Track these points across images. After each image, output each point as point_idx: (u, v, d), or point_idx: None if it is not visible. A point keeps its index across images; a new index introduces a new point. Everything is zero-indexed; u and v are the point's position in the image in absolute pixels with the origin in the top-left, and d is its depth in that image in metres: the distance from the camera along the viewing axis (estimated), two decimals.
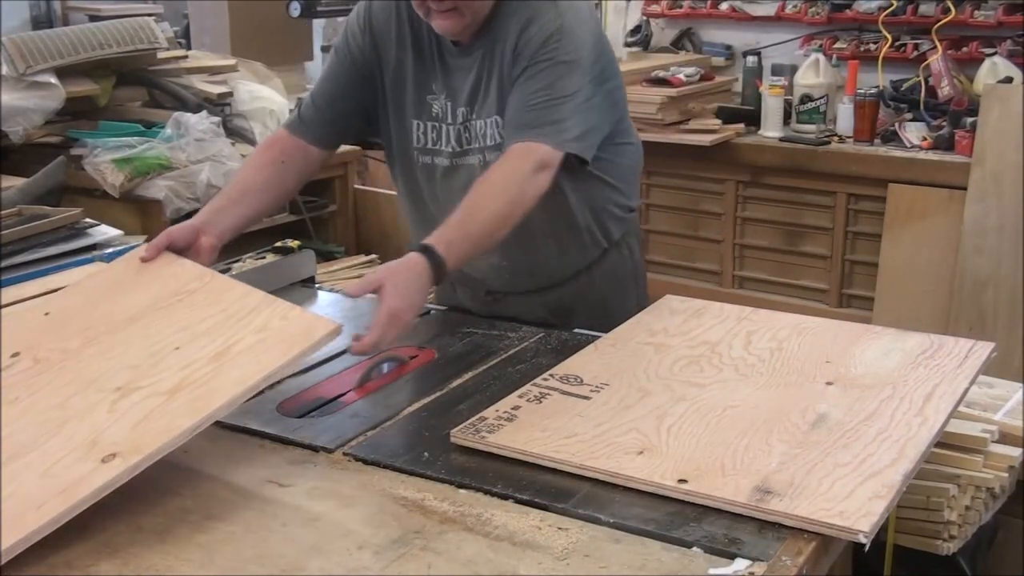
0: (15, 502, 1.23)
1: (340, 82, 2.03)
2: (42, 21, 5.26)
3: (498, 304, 2.14)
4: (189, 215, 3.00)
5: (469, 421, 1.56)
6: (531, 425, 1.56)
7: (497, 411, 1.59)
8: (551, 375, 1.72)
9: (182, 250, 1.74)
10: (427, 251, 1.67)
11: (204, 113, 3.13)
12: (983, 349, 1.89)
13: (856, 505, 1.35)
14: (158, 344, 1.43)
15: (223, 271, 2.26)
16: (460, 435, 1.53)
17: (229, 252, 2.62)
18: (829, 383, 1.73)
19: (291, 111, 2.05)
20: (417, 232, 2.06)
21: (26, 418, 1.32)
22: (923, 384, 1.72)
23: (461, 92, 1.96)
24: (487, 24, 1.91)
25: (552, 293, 2.09)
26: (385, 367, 1.80)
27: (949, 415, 1.62)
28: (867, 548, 1.30)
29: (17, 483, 1.25)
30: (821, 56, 3.73)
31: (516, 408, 1.61)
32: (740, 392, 1.69)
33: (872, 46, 3.81)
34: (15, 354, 1.38)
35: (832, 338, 1.92)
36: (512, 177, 1.79)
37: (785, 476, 1.41)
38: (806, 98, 3.62)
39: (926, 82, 3.53)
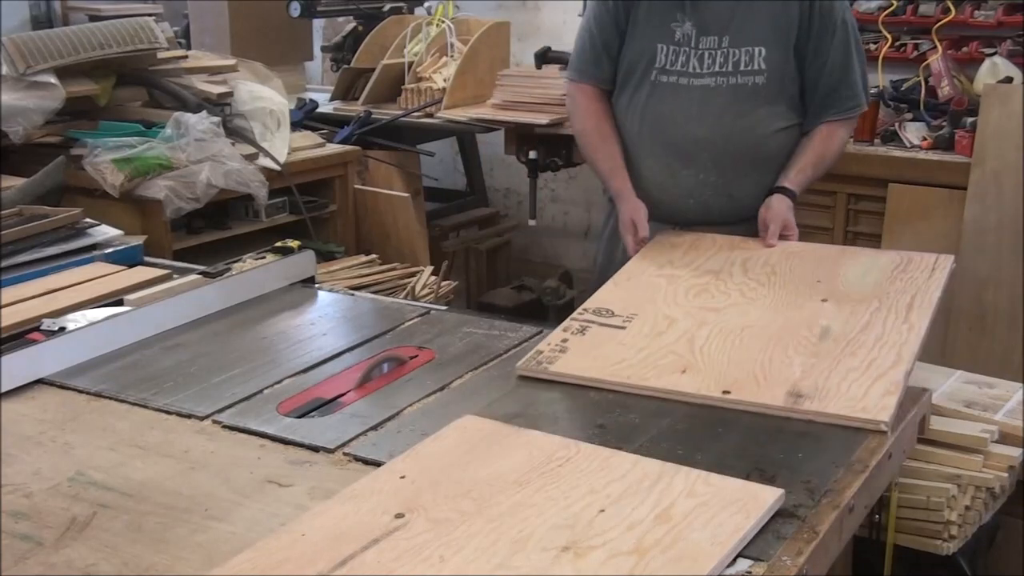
0: None
1: (619, 28, 2.40)
2: (42, 21, 5.25)
3: None
4: (189, 215, 3.02)
5: (528, 355, 1.78)
6: (587, 357, 1.78)
7: (549, 344, 1.81)
8: (585, 309, 1.96)
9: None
10: (785, 190, 2.34)
11: (204, 113, 3.12)
12: (945, 261, 2.13)
13: (873, 402, 1.58)
14: (572, 507, 1.29)
15: (222, 271, 2.26)
16: (524, 367, 1.75)
17: (229, 252, 2.62)
18: (824, 300, 1.96)
19: (569, 68, 2.57)
20: (628, 149, 2.44)
21: None
22: (903, 295, 1.97)
23: (711, 22, 2.31)
24: None
25: (729, 231, 2.34)
26: (385, 367, 1.80)
27: (929, 320, 1.87)
28: (889, 432, 1.51)
29: None
30: None
31: (565, 341, 1.83)
32: (751, 313, 1.93)
33: (872, 46, 3.80)
34: (399, 515, 1.26)
35: (817, 260, 2.17)
36: (846, 133, 2.45)
37: (810, 382, 1.64)
38: None
39: (926, 82, 3.53)
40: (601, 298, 2.01)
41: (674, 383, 1.68)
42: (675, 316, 1.92)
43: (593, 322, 1.90)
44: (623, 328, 1.88)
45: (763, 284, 2.05)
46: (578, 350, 1.81)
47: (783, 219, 2.29)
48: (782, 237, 2.27)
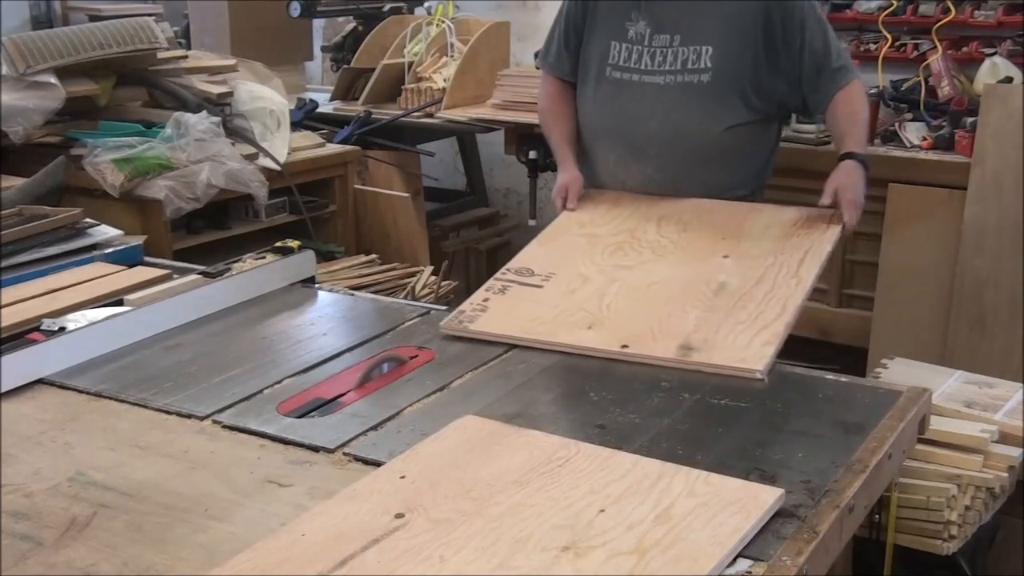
0: None
1: (576, 26, 2.53)
2: (42, 21, 5.25)
3: None
4: (189, 215, 3.02)
5: (452, 314, 1.94)
6: (506, 316, 1.93)
7: (472, 304, 1.97)
8: (508, 269, 2.12)
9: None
10: (851, 155, 2.32)
11: (204, 113, 3.12)
12: (839, 217, 2.22)
13: (753, 352, 1.74)
14: (572, 507, 1.28)
15: (222, 271, 2.26)
16: (447, 326, 1.91)
17: (229, 252, 2.62)
18: (726, 256, 2.11)
19: (541, 60, 2.73)
20: (589, 147, 2.55)
21: None
22: (797, 251, 2.10)
23: (664, 22, 2.39)
24: None
25: None
26: (385, 367, 1.80)
27: (817, 275, 2.02)
28: (765, 378, 1.68)
29: None
30: None
31: (486, 300, 1.99)
32: (658, 270, 2.08)
33: (872, 46, 3.80)
34: (399, 515, 1.27)
35: (727, 216, 2.29)
36: (863, 101, 2.44)
37: (700, 335, 1.80)
38: None
39: (926, 82, 3.53)
40: (524, 257, 2.17)
41: (579, 339, 1.83)
42: (589, 274, 2.07)
43: (514, 282, 2.06)
44: (541, 287, 2.03)
45: (673, 241, 2.20)
46: (498, 309, 1.96)
47: (833, 188, 2.25)
48: (838, 202, 2.24)
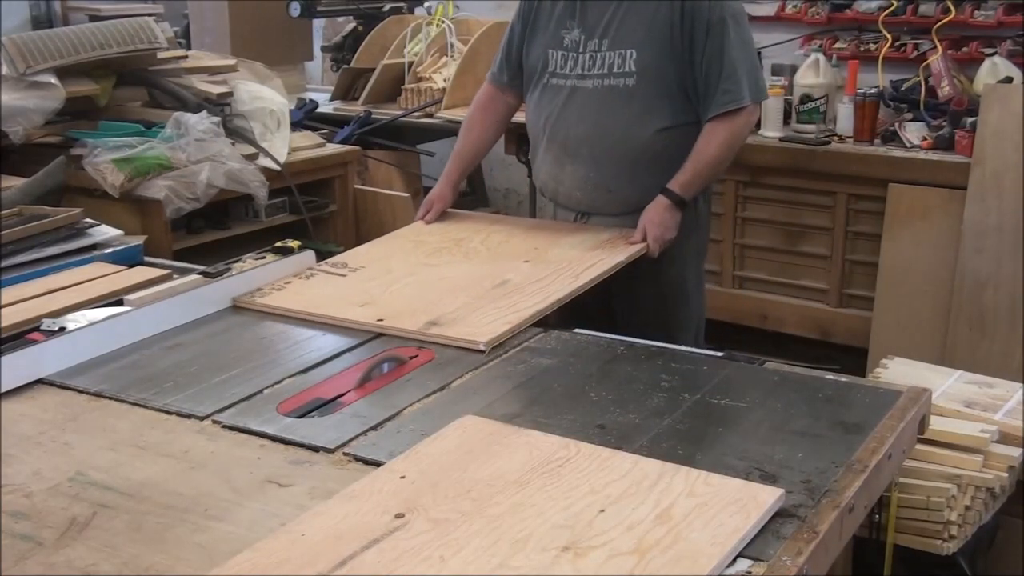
0: None
1: (519, 37, 2.60)
2: (42, 21, 5.26)
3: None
4: (189, 215, 3.02)
5: (251, 290, 2.10)
6: (295, 294, 2.09)
7: (272, 285, 2.13)
8: (325, 263, 2.27)
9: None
10: (666, 191, 2.39)
11: (204, 113, 3.12)
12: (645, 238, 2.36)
13: (486, 329, 1.86)
14: (572, 507, 1.28)
15: (222, 271, 2.26)
16: (240, 300, 2.07)
17: (229, 252, 2.62)
18: (526, 261, 2.24)
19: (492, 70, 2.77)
20: (534, 149, 2.63)
21: None
22: (590, 261, 2.22)
23: (595, 27, 2.44)
24: None
25: (628, 219, 2.45)
26: (385, 367, 1.80)
27: (593, 280, 2.13)
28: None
29: None
30: (821, 56, 3.72)
31: (288, 283, 2.15)
32: (459, 269, 2.21)
33: (872, 46, 3.81)
34: (399, 515, 1.26)
35: (551, 232, 2.45)
36: (728, 129, 2.39)
37: (454, 315, 1.93)
38: (806, 98, 3.61)
39: (926, 82, 3.53)
40: (347, 254, 2.34)
41: (346, 313, 1.97)
42: (394, 268, 2.22)
43: (323, 271, 2.21)
44: (344, 276, 2.17)
45: (490, 249, 2.33)
46: (294, 290, 2.11)
47: (644, 223, 2.38)
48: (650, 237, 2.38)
